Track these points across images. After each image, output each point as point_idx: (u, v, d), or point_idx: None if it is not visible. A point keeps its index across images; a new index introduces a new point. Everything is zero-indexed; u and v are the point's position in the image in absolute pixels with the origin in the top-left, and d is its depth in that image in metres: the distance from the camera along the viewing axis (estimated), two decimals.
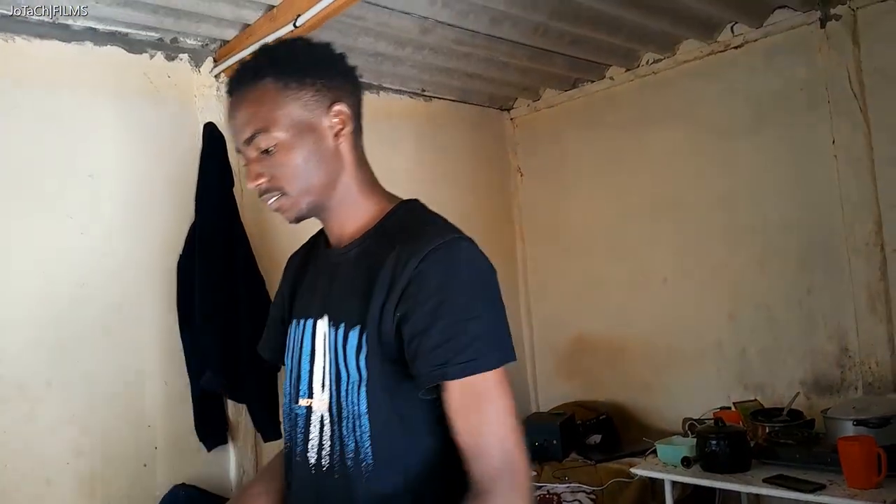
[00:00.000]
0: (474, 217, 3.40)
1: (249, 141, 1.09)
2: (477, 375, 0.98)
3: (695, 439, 2.34)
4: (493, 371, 1.00)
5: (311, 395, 1.14)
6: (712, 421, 2.41)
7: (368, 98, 2.98)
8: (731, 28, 2.85)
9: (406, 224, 1.11)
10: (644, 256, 3.19)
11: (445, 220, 1.13)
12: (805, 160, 2.70)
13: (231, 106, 1.12)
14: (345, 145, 1.13)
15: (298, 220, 1.15)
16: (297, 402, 1.17)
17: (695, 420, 2.63)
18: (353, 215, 1.15)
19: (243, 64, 1.13)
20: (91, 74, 2.24)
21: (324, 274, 1.19)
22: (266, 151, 1.08)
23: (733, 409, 2.61)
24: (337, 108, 1.11)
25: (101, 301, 2.20)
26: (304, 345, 1.17)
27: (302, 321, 1.19)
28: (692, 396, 2.94)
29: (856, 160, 2.55)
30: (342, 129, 1.12)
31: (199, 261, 2.29)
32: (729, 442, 2.22)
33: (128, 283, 2.26)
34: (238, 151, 1.13)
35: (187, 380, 2.31)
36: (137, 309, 2.27)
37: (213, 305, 2.27)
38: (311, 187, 1.11)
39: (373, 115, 3.27)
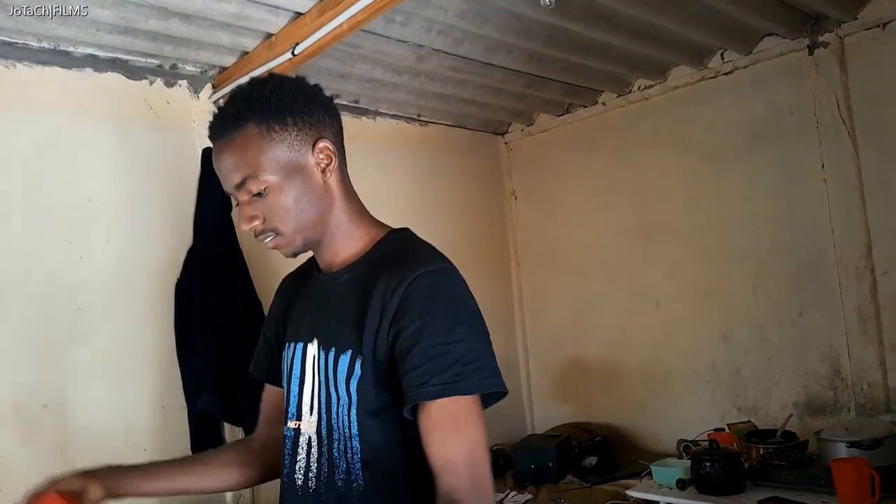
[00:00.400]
0: (470, 240, 3.44)
1: (239, 186, 1.10)
2: (444, 404, 1.00)
3: (689, 461, 2.35)
4: (470, 397, 1.01)
5: (299, 418, 1.16)
6: (707, 442, 2.42)
7: (365, 123, 3.07)
8: (721, 55, 2.90)
9: (396, 252, 1.14)
10: (638, 279, 3.22)
11: (434, 249, 1.15)
12: (795, 184, 2.74)
13: (216, 152, 1.13)
14: (333, 179, 1.15)
15: (295, 255, 1.17)
16: (286, 424, 1.19)
17: (689, 442, 2.64)
18: (345, 244, 1.18)
19: (222, 110, 1.13)
20: (91, 100, 2.27)
21: (314, 299, 1.22)
22: (257, 194, 1.10)
23: (727, 430, 2.62)
24: (321, 144, 1.13)
25: (99, 324, 2.21)
26: (294, 368, 1.19)
27: (293, 345, 1.22)
28: (687, 418, 2.95)
29: (845, 184, 2.59)
30: (329, 165, 1.14)
31: (197, 284, 2.31)
32: (723, 464, 2.23)
33: (126, 307, 2.27)
34: (228, 194, 1.15)
35: (184, 403, 2.32)
36: (135, 332, 2.28)
37: (210, 328, 2.28)
38: (304, 225, 1.13)
39: (369, 140, 3.34)
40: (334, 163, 1.14)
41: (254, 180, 1.09)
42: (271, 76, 1.18)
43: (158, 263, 2.35)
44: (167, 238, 2.37)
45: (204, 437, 2.33)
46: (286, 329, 1.28)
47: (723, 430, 2.64)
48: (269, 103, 1.10)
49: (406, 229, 1.21)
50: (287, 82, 1.16)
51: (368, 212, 1.22)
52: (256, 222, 1.12)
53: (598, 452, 2.95)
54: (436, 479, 1.00)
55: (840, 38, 2.61)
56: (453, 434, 1.01)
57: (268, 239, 1.13)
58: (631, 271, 3.24)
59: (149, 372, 2.29)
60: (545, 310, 3.61)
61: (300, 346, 1.19)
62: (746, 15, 2.49)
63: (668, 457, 2.64)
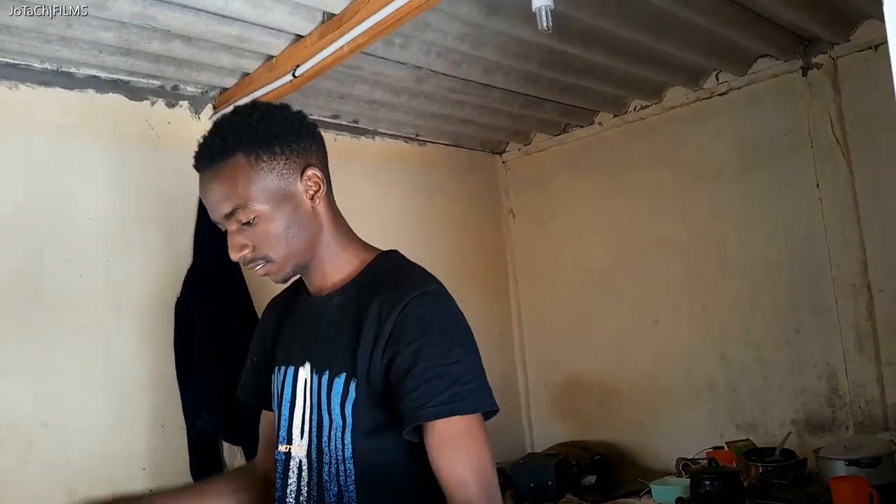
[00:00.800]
0: (468, 258, 3.45)
1: (229, 216, 1.11)
2: (447, 424, 1.02)
3: (689, 480, 2.35)
4: (472, 415, 1.03)
5: (289, 441, 1.17)
6: (706, 461, 2.42)
7: (364, 143, 3.10)
8: (716, 76, 2.94)
9: (388, 274, 1.16)
10: (635, 297, 3.23)
11: (425, 271, 1.17)
12: (791, 203, 2.76)
13: (203, 183, 1.13)
14: (321, 206, 1.16)
15: (285, 281, 1.19)
16: (277, 448, 1.20)
17: (688, 460, 2.64)
18: (334, 268, 1.19)
19: (208, 140, 1.13)
20: (93, 121, 2.29)
21: (304, 322, 1.23)
22: (247, 223, 1.11)
23: (726, 448, 2.62)
24: (310, 172, 1.14)
25: (99, 343, 2.21)
26: (285, 392, 1.20)
27: (283, 368, 1.22)
28: (685, 436, 2.95)
29: (840, 203, 2.61)
30: (317, 192, 1.15)
31: (197, 303, 2.32)
32: (722, 482, 2.24)
33: (126, 325, 2.28)
34: (216, 223, 1.16)
35: (184, 422, 2.32)
36: (135, 351, 2.28)
37: (210, 347, 2.29)
38: (294, 251, 1.14)
39: (368, 159, 3.36)
40: (323, 189, 1.16)
41: (244, 210, 1.10)
42: (256, 104, 1.20)
43: (159, 282, 2.35)
44: (167, 256, 2.38)
45: (203, 457, 2.33)
46: (275, 352, 1.29)
47: (722, 448, 2.65)
48: (257, 133, 1.11)
49: (395, 251, 1.23)
50: (273, 111, 1.17)
51: (356, 235, 1.24)
52: (247, 251, 1.13)
53: (598, 471, 2.94)
54: (448, 496, 1.02)
55: (833, 59, 2.64)
56: (461, 452, 1.02)
57: (258, 266, 1.15)
58: (628, 289, 3.25)
59: (148, 391, 2.29)
60: (543, 327, 3.61)
61: (291, 369, 1.20)
62: (741, 37, 2.52)
63: (668, 475, 2.64)
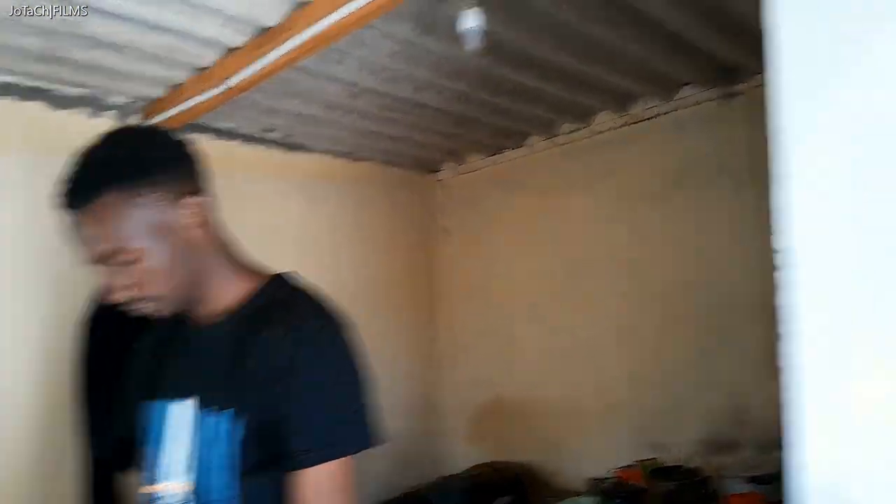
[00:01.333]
0: (397, 276, 3.45)
1: (105, 259, 1.03)
2: (324, 469, 0.99)
3: (598, 499, 2.41)
4: (343, 463, 1.00)
5: (169, 479, 1.09)
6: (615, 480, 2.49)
7: (296, 158, 3.06)
8: (644, 102, 3.01)
9: (278, 303, 1.09)
10: (558, 318, 3.29)
11: (317, 298, 1.11)
12: (707, 228, 2.85)
13: (73, 223, 1.03)
14: (204, 232, 1.08)
15: (172, 313, 1.11)
16: (150, 485, 1.12)
17: (599, 479, 2.70)
18: (221, 294, 1.12)
19: (75, 177, 1.03)
20: (11, 129, 2.21)
21: (187, 353, 1.15)
22: (126, 263, 1.02)
23: (636, 467, 2.69)
24: (188, 200, 1.06)
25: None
26: (165, 426, 1.12)
27: (159, 402, 1.14)
28: (599, 455, 3.00)
29: (750, 228, 2.70)
30: (198, 219, 1.07)
31: (102, 323, 2.19)
32: (630, 500, 2.31)
33: (24, 345, 2.21)
34: (90, 265, 1.06)
35: (76, 446, 2.22)
36: (31, 373, 2.22)
37: (106, 370, 2.19)
38: (179, 284, 1.07)
39: (299, 174, 3.30)
40: (204, 216, 1.09)
41: (122, 251, 1.02)
42: (123, 130, 1.13)
43: (71, 300, 2.20)
44: (78, 273, 2.29)
45: (96, 481, 2.23)
46: (153, 384, 1.19)
47: (632, 467, 2.72)
48: (129, 164, 1.03)
49: (287, 274, 1.16)
50: (143, 137, 1.10)
51: (245, 257, 1.17)
52: (127, 292, 1.04)
53: (512, 491, 2.97)
54: None
55: (753, 88, 2.72)
56: None
57: (143, 306, 1.07)
58: (552, 310, 3.31)
59: (43, 414, 2.22)
60: (469, 349, 3.63)
61: (172, 403, 1.12)
62: (666, 64, 2.60)
63: (580, 495, 2.70)
